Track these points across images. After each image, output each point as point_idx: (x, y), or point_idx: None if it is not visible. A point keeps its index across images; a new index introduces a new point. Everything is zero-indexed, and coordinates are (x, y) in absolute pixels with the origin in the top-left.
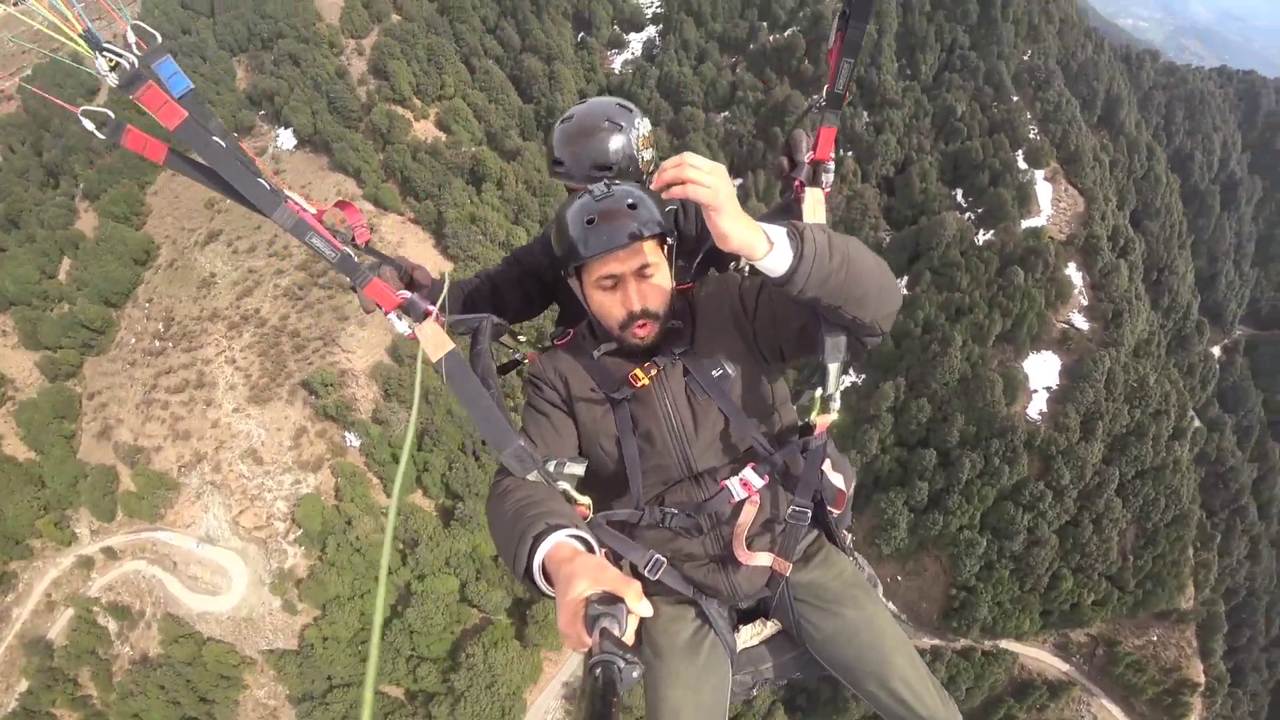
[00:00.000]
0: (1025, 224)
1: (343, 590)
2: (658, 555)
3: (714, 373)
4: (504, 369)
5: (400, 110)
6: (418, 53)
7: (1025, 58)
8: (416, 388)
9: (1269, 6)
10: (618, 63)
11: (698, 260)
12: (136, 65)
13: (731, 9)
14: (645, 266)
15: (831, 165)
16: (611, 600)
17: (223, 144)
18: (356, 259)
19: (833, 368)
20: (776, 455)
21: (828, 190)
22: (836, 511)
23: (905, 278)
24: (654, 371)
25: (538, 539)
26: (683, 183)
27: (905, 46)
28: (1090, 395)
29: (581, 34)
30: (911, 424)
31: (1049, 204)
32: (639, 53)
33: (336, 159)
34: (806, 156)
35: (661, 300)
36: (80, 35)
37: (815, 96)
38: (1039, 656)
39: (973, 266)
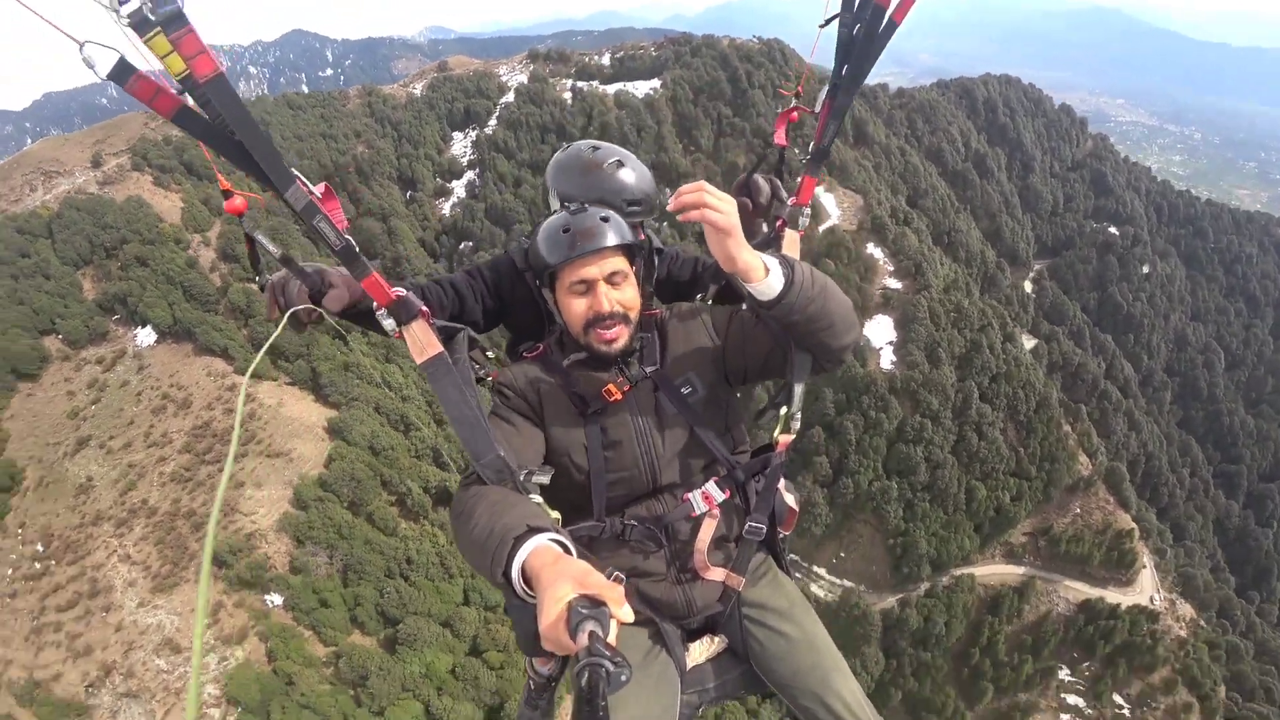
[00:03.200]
0: (822, 228)
1: None
2: (617, 573)
3: (683, 389)
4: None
5: (255, 285)
6: (261, 232)
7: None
8: (238, 426)
9: (984, 48)
10: (446, 208)
11: (672, 290)
12: (180, 6)
13: (533, 139)
14: (615, 274)
15: (808, 210)
16: (595, 604)
17: (244, 109)
18: (357, 249)
19: (798, 387)
20: (738, 470)
21: (802, 232)
22: (786, 533)
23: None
24: (626, 386)
25: (519, 540)
26: (699, 207)
27: (684, 130)
28: (923, 333)
29: (409, 191)
30: None
31: (835, 208)
32: (464, 194)
33: (202, 343)
34: (791, 200)
35: (630, 307)
36: None
37: (799, 153)
38: (995, 570)
39: None
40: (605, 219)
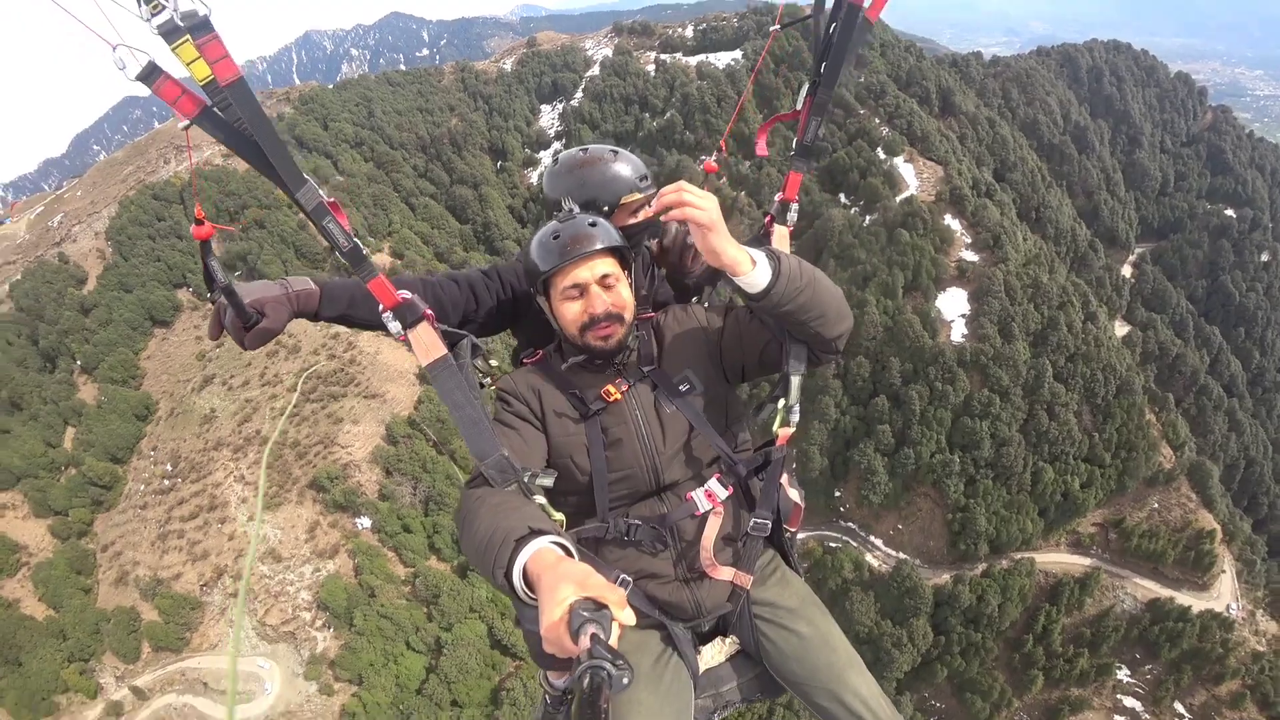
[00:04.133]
0: (899, 198)
1: (375, 657)
2: (624, 575)
3: (681, 387)
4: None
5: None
6: (364, 200)
7: (860, 80)
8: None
9: (1107, 12)
10: (533, 177)
11: (651, 291)
12: (206, 12)
13: (616, 110)
14: (607, 276)
15: (796, 206)
16: (596, 607)
17: (262, 115)
18: (365, 251)
19: (795, 379)
20: (740, 465)
21: (791, 228)
22: (792, 529)
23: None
24: (625, 387)
25: (520, 543)
26: (680, 206)
27: (764, 100)
28: (996, 306)
29: (500, 161)
30: (857, 381)
31: (914, 179)
32: (550, 164)
33: None
34: (777, 197)
35: (623, 307)
36: None
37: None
38: (1058, 559)
39: (866, 242)
40: (593, 224)
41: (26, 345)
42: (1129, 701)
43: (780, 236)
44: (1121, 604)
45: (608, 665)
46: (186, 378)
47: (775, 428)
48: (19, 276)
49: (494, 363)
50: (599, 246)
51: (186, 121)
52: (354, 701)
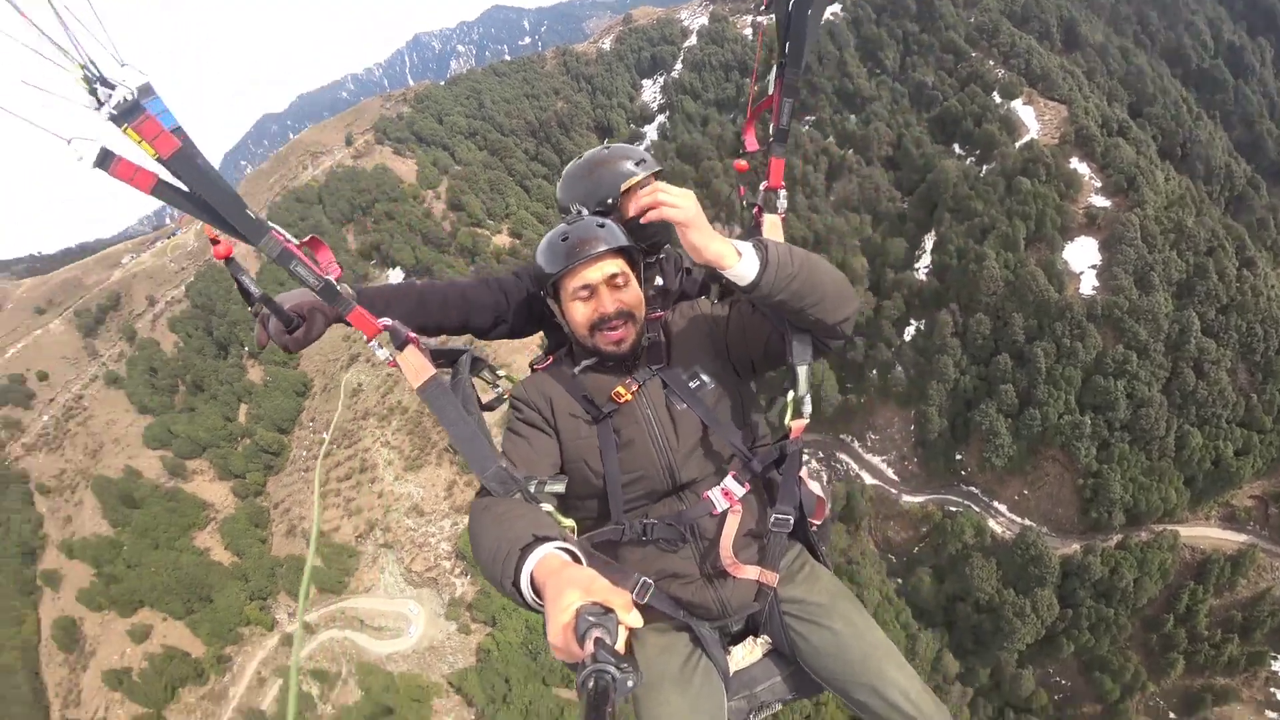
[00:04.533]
0: (1019, 143)
1: (508, 602)
2: (645, 578)
3: (691, 384)
4: (488, 407)
5: (479, 230)
6: (481, 186)
7: (971, 20)
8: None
9: None
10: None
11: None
12: (135, 97)
13: (716, 79)
14: (615, 276)
15: (784, 192)
16: (602, 611)
17: (211, 175)
18: (338, 288)
19: (802, 370)
20: (755, 461)
21: (783, 215)
22: (817, 523)
23: (933, 234)
24: (635, 387)
25: (525, 550)
26: (657, 206)
27: (867, 53)
28: (1132, 254)
29: (606, 139)
30: (977, 339)
31: (1034, 122)
32: (655, 137)
33: (439, 277)
34: (763, 186)
35: (634, 306)
36: (78, 65)
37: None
38: (1208, 534)
39: (983, 193)
40: (601, 225)
41: (203, 336)
42: None
43: (772, 225)
44: None
45: (612, 669)
46: (335, 357)
47: (787, 420)
48: (193, 278)
49: (501, 373)
50: (606, 247)
51: (146, 194)
52: (489, 640)
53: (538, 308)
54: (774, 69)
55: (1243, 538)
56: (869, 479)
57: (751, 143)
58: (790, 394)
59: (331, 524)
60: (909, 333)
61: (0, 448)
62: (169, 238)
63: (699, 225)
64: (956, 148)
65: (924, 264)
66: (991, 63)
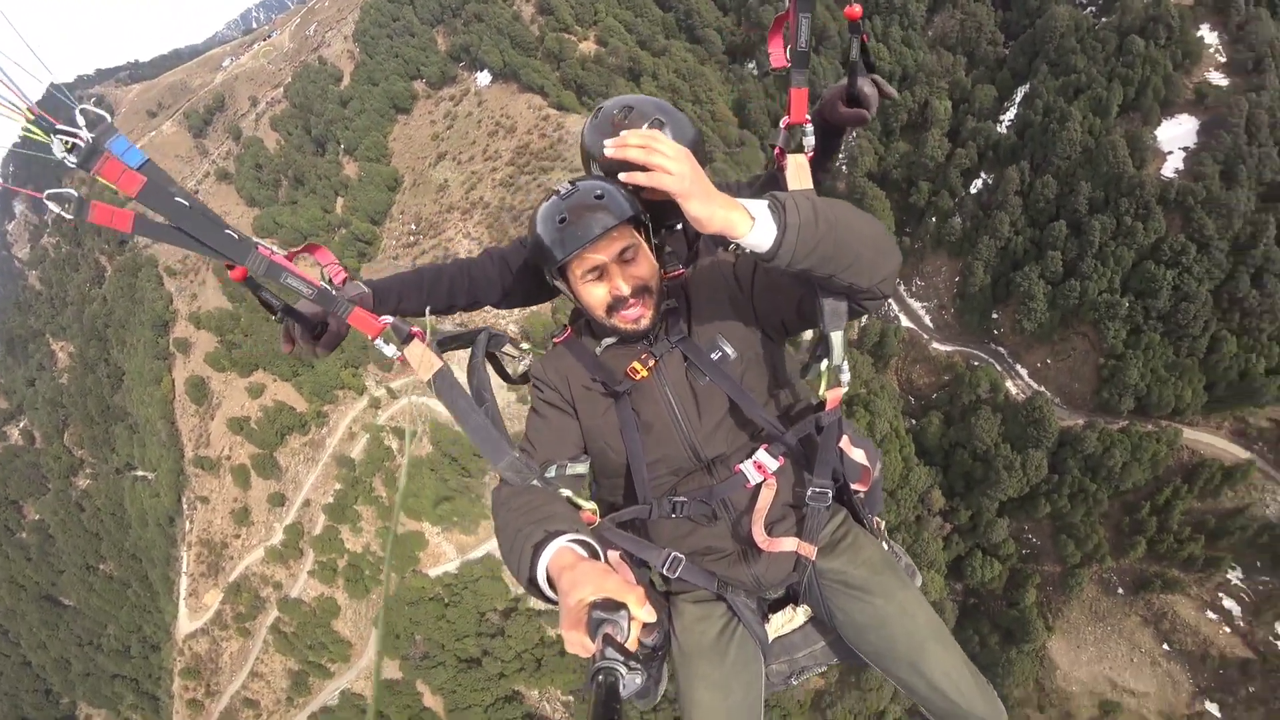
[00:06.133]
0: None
1: None
2: (675, 553)
3: (713, 355)
4: (521, 380)
5: (566, 35)
6: None
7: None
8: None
9: None
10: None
11: (689, 246)
12: (91, 142)
13: None
14: (625, 250)
15: (810, 128)
16: (614, 606)
17: (186, 203)
18: (333, 293)
19: (836, 336)
20: (789, 434)
21: (810, 154)
22: (862, 489)
23: (1026, 85)
24: (651, 363)
25: (539, 546)
26: (648, 168)
27: None
28: (1228, 141)
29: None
30: (1039, 202)
31: None
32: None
33: (525, 82)
34: (783, 121)
35: (649, 279)
36: (32, 121)
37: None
38: (1213, 442)
39: (1089, 47)
40: (600, 195)
41: (302, 134)
42: (1229, 603)
43: (797, 168)
44: (1265, 508)
45: (620, 666)
46: (424, 155)
47: (823, 391)
48: (290, 79)
49: (525, 345)
50: (607, 226)
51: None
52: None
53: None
54: None
55: (1245, 454)
56: (905, 321)
57: (778, 58)
58: (825, 363)
59: None
60: (976, 185)
61: (130, 238)
62: (264, 39)
63: (698, 192)
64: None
65: (1009, 116)
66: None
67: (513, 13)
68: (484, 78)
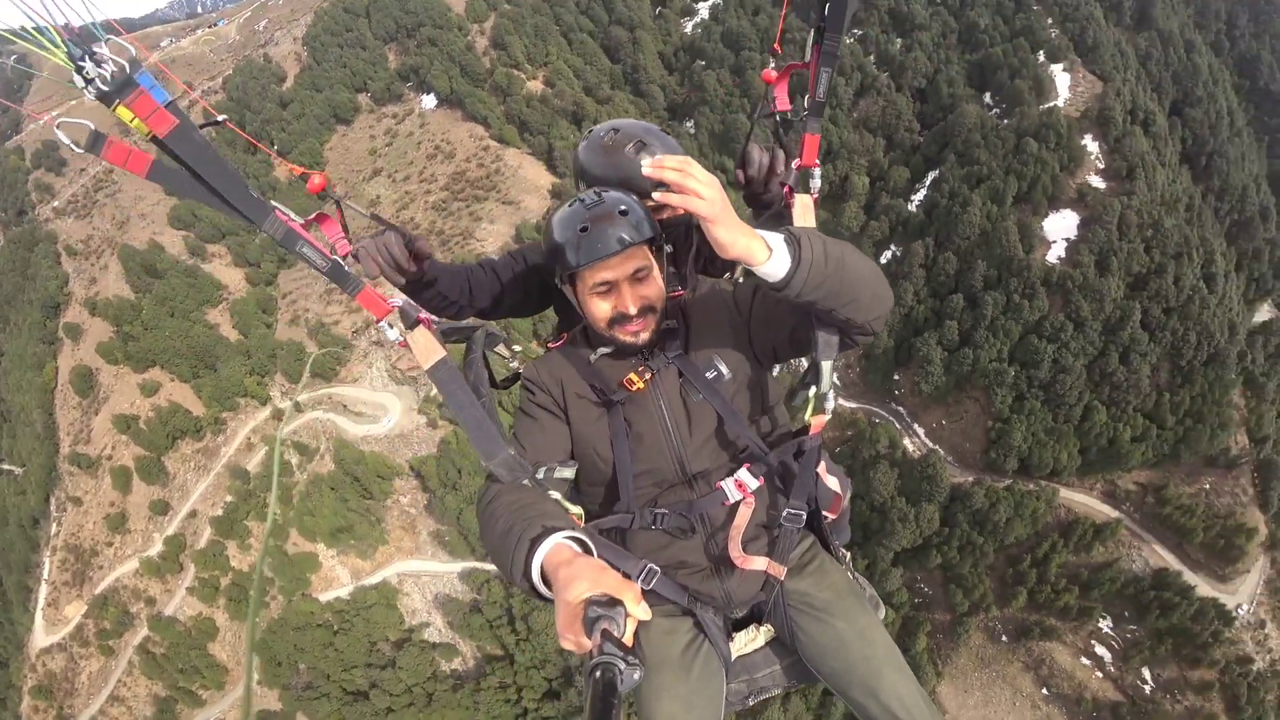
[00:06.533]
0: (1043, 106)
1: None
2: (651, 564)
3: (708, 374)
4: (507, 382)
5: (516, 72)
6: (527, 29)
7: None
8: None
9: None
10: (689, 26)
11: (690, 266)
12: (127, 71)
13: None
14: (639, 270)
15: (818, 171)
16: (611, 603)
17: (209, 154)
18: (346, 268)
19: (826, 365)
20: (771, 455)
21: (815, 196)
22: (831, 517)
23: (936, 171)
24: (648, 375)
25: (535, 542)
26: (682, 191)
27: None
28: (1102, 235)
29: (658, 8)
30: (941, 275)
31: (1067, 90)
32: (706, 16)
33: (469, 111)
34: (794, 164)
35: (656, 301)
36: (65, 42)
37: (762, 108)
38: (1086, 501)
39: (991, 143)
40: (624, 211)
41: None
42: (1100, 650)
43: (803, 207)
44: (1131, 563)
45: (619, 662)
46: (359, 168)
47: (808, 416)
48: (230, 71)
49: (517, 348)
50: (629, 243)
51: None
52: (451, 435)
53: (535, 287)
54: (811, 34)
55: (1114, 513)
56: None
57: (782, 100)
58: (812, 389)
59: (333, 318)
60: (885, 256)
61: (31, 209)
62: (210, 26)
63: (725, 219)
64: (987, 97)
65: (919, 197)
66: (1050, 20)
67: (466, 42)
68: (429, 101)
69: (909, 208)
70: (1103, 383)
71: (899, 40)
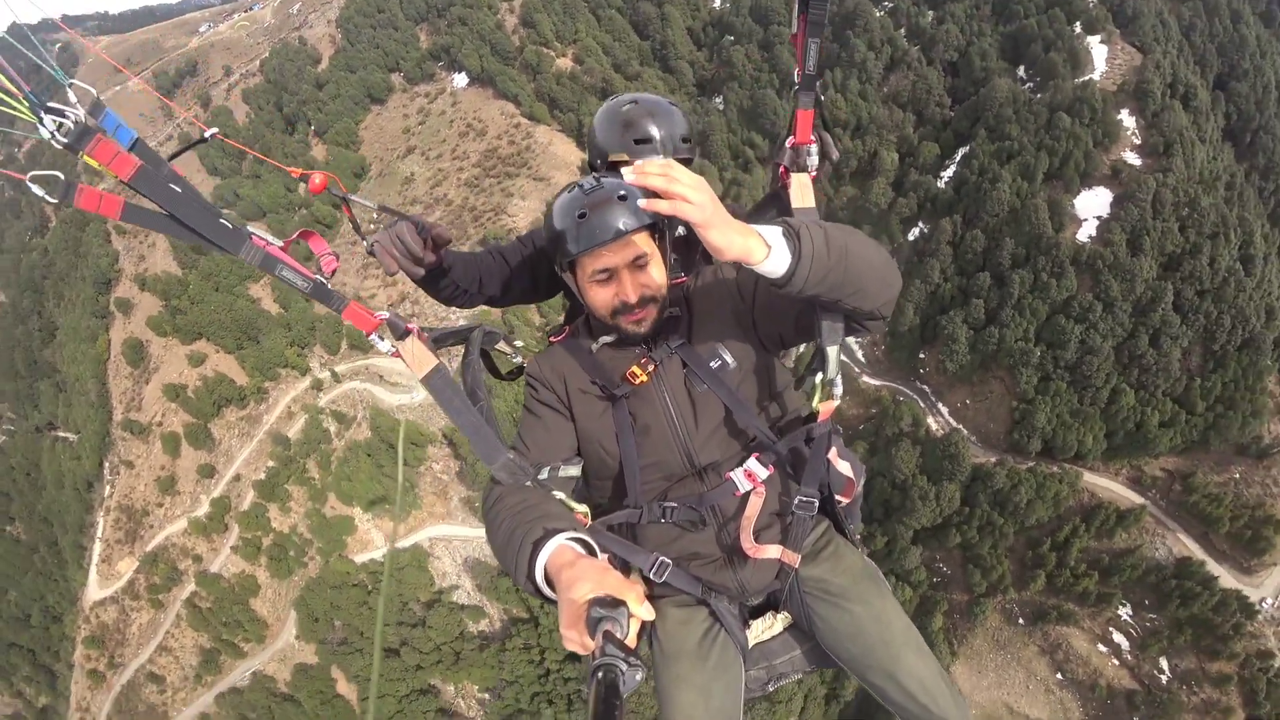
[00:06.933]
0: (1078, 80)
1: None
2: (663, 557)
3: (712, 363)
4: (510, 376)
5: (545, 50)
6: (555, 7)
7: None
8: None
9: None
10: (717, 1)
11: (698, 253)
12: (83, 121)
13: None
14: (639, 258)
15: (814, 148)
16: (613, 603)
17: (179, 190)
18: (329, 285)
19: (832, 351)
20: (780, 444)
21: (814, 174)
22: (845, 501)
23: (966, 147)
24: (651, 367)
25: (538, 544)
26: (669, 197)
27: None
28: (1135, 214)
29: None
30: (968, 253)
31: (1103, 63)
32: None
33: (500, 89)
34: (787, 141)
35: (657, 289)
36: (22, 99)
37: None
38: (1110, 486)
39: (1023, 118)
40: (623, 197)
41: (273, 111)
42: (1118, 637)
43: (801, 186)
44: (1155, 550)
45: (621, 663)
46: (393, 146)
47: (815, 403)
48: (267, 54)
49: (519, 343)
50: (628, 229)
51: (116, 221)
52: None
53: (544, 271)
54: (796, 3)
55: (1139, 500)
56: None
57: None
58: (819, 376)
59: (370, 291)
60: (913, 233)
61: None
62: (245, 10)
63: (717, 221)
64: (1021, 70)
65: (948, 173)
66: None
67: (496, 21)
68: (461, 80)
69: (938, 184)
70: (1131, 365)
71: (930, 13)
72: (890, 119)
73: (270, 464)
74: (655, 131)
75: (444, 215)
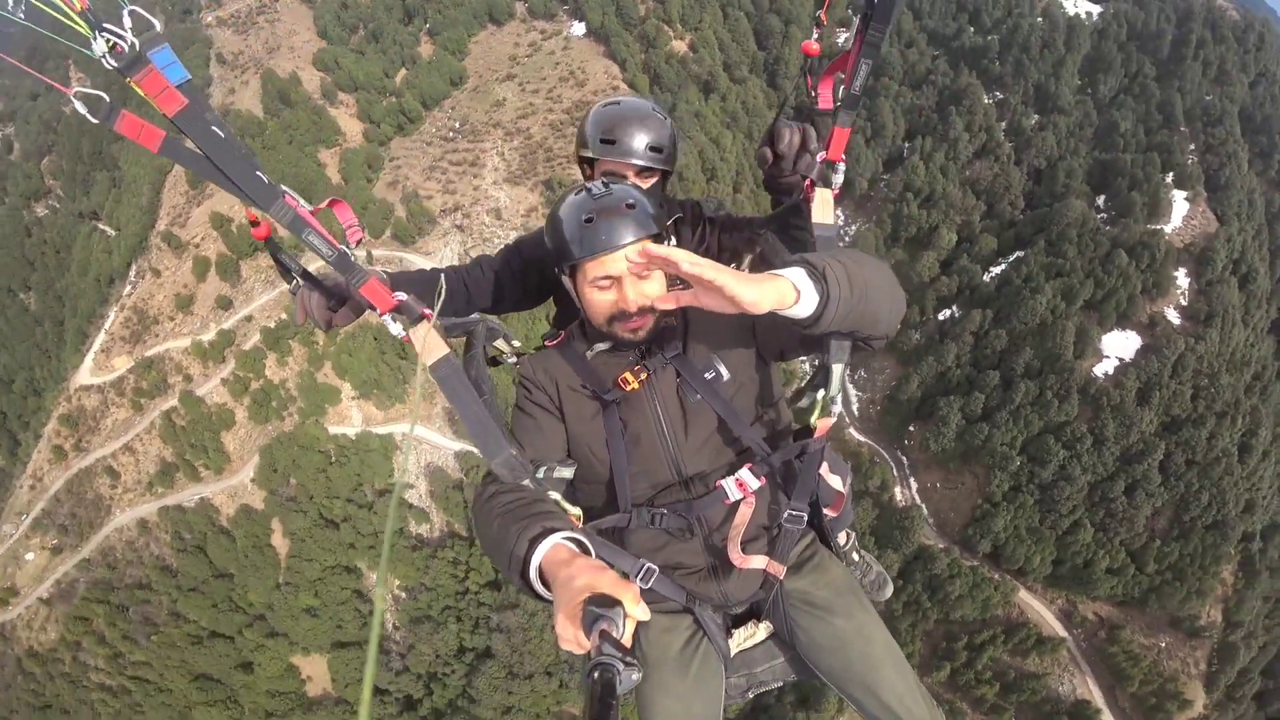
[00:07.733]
0: (1149, 226)
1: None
2: (649, 564)
3: (706, 374)
4: (490, 364)
5: (666, 27)
6: None
7: (1207, 97)
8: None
9: None
10: (841, 38)
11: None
12: (138, 48)
13: (946, 9)
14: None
15: (843, 166)
16: (609, 603)
17: (221, 134)
18: (353, 258)
19: (837, 369)
20: (773, 456)
21: (837, 192)
22: (833, 514)
23: (1022, 252)
24: (644, 375)
25: (534, 541)
26: (699, 281)
27: (1090, 68)
28: (1155, 366)
29: (818, 13)
30: (987, 349)
31: (1180, 219)
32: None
33: (611, 49)
34: (819, 156)
35: (657, 299)
36: (79, 13)
37: (799, 87)
38: (1041, 611)
39: (1084, 243)
40: (632, 204)
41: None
42: None
43: (823, 202)
44: (1060, 684)
45: (617, 662)
46: (496, 68)
47: (814, 419)
48: None
49: (516, 343)
50: (634, 237)
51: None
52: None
53: (533, 281)
54: (856, 21)
55: (1063, 633)
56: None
57: (826, 100)
58: (821, 392)
59: (427, 191)
60: (944, 313)
61: (197, 11)
62: None
63: (743, 280)
64: (1100, 200)
65: (997, 270)
66: (1193, 147)
67: None
68: (579, 28)
69: (983, 276)
70: (1100, 505)
71: (1036, 117)
72: (962, 201)
73: (283, 316)
74: (621, 135)
75: (520, 145)
